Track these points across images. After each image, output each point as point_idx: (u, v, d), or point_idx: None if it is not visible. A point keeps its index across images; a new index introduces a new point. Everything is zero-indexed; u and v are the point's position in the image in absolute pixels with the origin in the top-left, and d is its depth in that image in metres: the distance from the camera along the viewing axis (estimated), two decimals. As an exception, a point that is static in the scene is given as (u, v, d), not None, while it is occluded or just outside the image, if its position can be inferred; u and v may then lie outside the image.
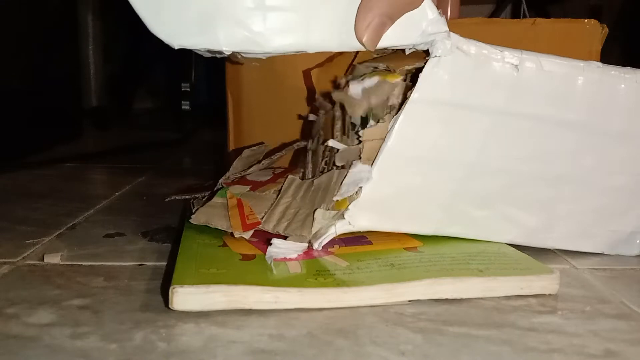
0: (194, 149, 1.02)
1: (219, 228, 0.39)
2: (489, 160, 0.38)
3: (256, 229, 0.38)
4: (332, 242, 0.38)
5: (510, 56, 0.37)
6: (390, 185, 0.38)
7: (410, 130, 0.37)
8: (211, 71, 1.41)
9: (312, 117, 0.49)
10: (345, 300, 0.32)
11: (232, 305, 0.31)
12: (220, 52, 0.36)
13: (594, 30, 0.53)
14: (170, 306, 0.30)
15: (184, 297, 0.30)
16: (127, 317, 0.30)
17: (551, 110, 0.38)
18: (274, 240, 0.36)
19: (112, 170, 0.78)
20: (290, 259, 0.35)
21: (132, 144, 0.98)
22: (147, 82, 1.48)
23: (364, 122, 0.39)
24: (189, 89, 1.34)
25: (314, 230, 0.36)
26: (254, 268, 0.34)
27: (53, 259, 0.39)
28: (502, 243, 0.40)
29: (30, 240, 0.43)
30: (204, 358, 0.26)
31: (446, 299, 0.33)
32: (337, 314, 0.31)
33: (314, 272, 0.34)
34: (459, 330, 0.30)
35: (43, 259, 0.39)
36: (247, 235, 0.38)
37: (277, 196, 0.41)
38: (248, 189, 0.44)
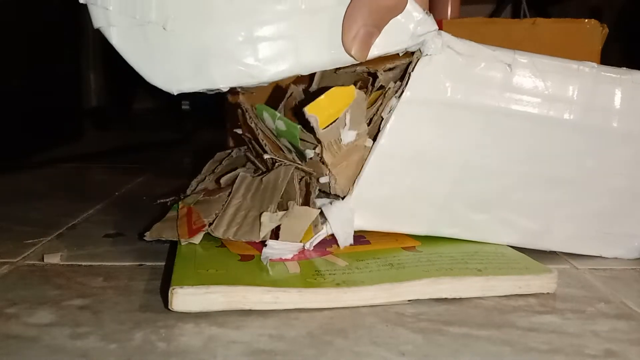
0: (194, 149, 1.02)
1: (170, 239, 0.39)
2: (485, 161, 0.38)
3: (205, 232, 0.38)
4: (330, 242, 0.38)
5: (503, 56, 0.37)
6: (383, 185, 0.38)
7: (402, 129, 0.37)
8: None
9: (238, 131, 0.47)
10: (345, 300, 0.32)
11: (231, 305, 0.31)
12: (218, 90, 0.36)
13: (594, 30, 0.53)
14: (169, 307, 0.30)
15: (184, 298, 0.30)
16: (127, 317, 0.30)
17: (546, 110, 0.37)
18: (269, 242, 0.36)
19: (112, 170, 0.78)
20: (286, 260, 0.35)
21: (132, 144, 0.98)
22: (147, 82, 1.48)
23: (301, 153, 0.38)
24: (188, 89, 1.34)
25: (262, 234, 0.36)
26: (252, 268, 0.34)
27: (53, 259, 0.39)
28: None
29: (30, 240, 0.43)
30: (204, 358, 0.26)
31: (446, 299, 0.33)
32: (337, 314, 0.31)
33: (313, 272, 0.34)
34: (459, 330, 0.30)
35: (43, 259, 0.39)
36: (197, 240, 0.38)
37: (229, 196, 0.40)
38: (202, 195, 0.43)
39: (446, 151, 0.38)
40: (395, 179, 0.38)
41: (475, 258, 0.37)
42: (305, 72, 0.36)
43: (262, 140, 0.41)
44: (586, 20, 0.53)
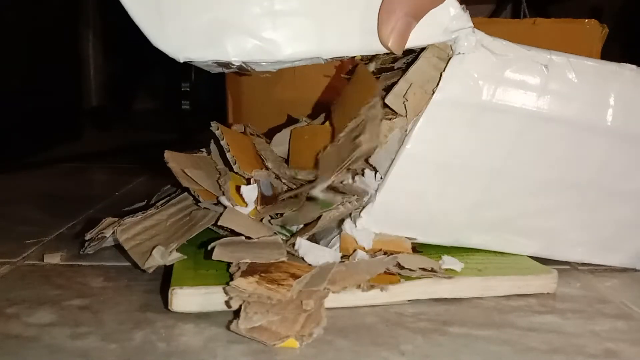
0: (194, 149, 1.02)
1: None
2: (515, 166, 0.36)
3: (112, 232, 0.37)
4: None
5: (539, 56, 0.34)
6: (408, 191, 0.36)
7: (432, 133, 0.34)
8: (211, 71, 1.40)
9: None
10: (345, 300, 0.32)
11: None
12: (228, 65, 0.33)
13: (594, 30, 0.53)
14: (169, 308, 0.30)
15: (184, 299, 0.30)
16: (127, 317, 0.30)
17: (584, 115, 0.35)
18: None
19: (112, 170, 0.78)
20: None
21: (132, 144, 0.98)
22: (147, 82, 1.48)
23: None
24: (189, 89, 1.34)
25: (145, 265, 0.34)
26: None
27: (53, 259, 0.39)
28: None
29: (30, 240, 0.43)
30: (204, 358, 0.26)
31: (446, 299, 0.33)
32: (337, 314, 0.31)
33: (314, 272, 0.34)
34: (459, 330, 0.30)
35: (43, 259, 0.39)
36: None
37: (159, 207, 0.39)
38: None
39: (477, 156, 0.35)
40: (421, 185, 0.36)
41: (475, 258, 0.37)
42: (328, 57, 0.33)
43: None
44: (586, 20, 0.54)
